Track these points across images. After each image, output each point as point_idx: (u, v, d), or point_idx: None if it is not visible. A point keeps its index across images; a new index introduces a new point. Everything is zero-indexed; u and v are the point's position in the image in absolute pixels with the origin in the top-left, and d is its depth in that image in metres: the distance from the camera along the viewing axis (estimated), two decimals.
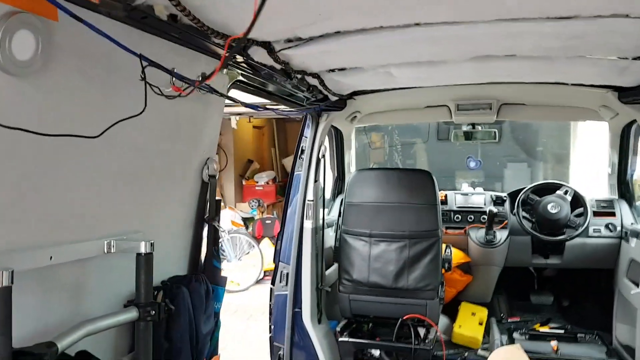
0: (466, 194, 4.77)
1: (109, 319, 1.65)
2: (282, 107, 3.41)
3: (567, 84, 3.19)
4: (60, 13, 1.34)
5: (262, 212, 10.84)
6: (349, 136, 4.59)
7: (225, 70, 2.34)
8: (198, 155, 2.21)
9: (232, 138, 10.86)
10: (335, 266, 4.05)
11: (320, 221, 3.81)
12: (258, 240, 9.66)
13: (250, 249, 9.11)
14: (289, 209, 3.78)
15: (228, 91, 2.32)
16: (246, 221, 10.27)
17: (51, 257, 1.48)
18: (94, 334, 1.61)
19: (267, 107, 3.24)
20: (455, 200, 4.72)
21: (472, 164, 6.84)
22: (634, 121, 3.72)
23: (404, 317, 3.70)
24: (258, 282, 8.82)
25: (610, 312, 4.12)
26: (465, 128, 4.56)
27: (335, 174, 4.74)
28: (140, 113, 1.56)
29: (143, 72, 1.56)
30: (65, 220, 1.56)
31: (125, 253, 1.75)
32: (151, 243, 1.74)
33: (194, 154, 2.20)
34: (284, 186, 11.02)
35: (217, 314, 2.38)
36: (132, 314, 1.71)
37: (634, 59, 2.45)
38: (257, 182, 11.42)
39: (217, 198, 2.36)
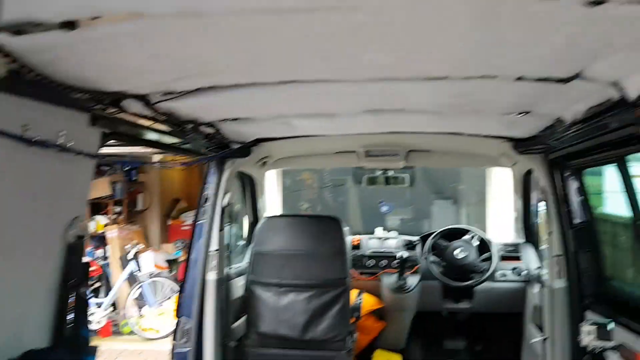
0: (380, 238, 4.75)
1: None
2: (180, 158, 3.29)
3: (464, 134, 3.26)
4: None
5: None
6: (261, 181, 4.50)
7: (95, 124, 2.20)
8: (62, 214, 2.05)
9: (157, 176, 10.55)
10: (241, 319, 3.89)
11: (225, 272, 3.66)
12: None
13: (173, 293, 8.75)
14: (190, 260, 3.61)
15: (101, 145, 2.18)
16: (171, 263, 9.91)
17: None
18: None
19: (161, 161, 3.10)
20: (369, 245, 4.70)
21: (384, 209, 6.89)
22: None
23: None
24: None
25: (519, 356, 4.16)
26: (377, 173, 4.57)
27: (251, 220, 4.62)
28: None
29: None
30: None
31: None
32: None
33: (58, 213, 2.03)
34: None
35: None
36: None
37: (519, 114, 2.50)
38: (183, 221, 11.08)
39: (85, 260, 2.18)
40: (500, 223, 6.56)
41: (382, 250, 4.64)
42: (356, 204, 11.34)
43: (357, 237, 4.74)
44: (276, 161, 4.13)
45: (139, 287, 8.63)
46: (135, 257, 8.81)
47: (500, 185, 7.77)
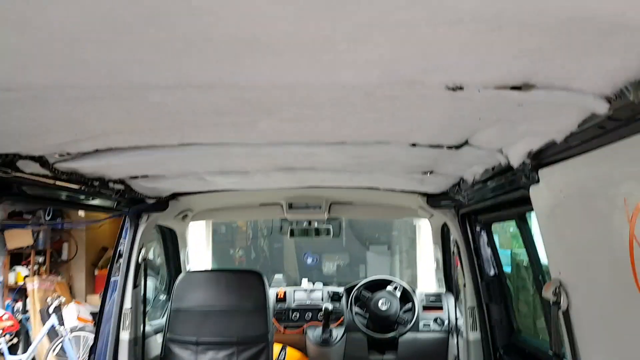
0: (306, 290, 4.72)
1: None
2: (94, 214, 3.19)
3: (379, 189, 3.33)
4: None
5: None
6: (183, 234, 4.40)
7: None
8: None
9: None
10: None
11: (141, 331, 3.52)
12: None
13: None
14: (103, 318, 3.46)
15: None
16: (95, 316, 9.45)
17: None
18: None
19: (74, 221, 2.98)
20: (294, 297, 4.65)
21: (309, 260, 6.89)
22: None
23: None
24: None
25: None
26: (303, 224, 4.58)
27: (173, 274, 4.49)
28: None
29: None
30: None
31: None
32: None
33: None
34: None
35: None
36: None
37: (423, 173, 2.59)
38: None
39: None
40: (429, 271, 6.67)
41: (307, 302, 4.60)
42: (292, 251, 11.29)
43: (282, 289, 4.69)
44: (198, 214, 4.07)
45: (60, 342, 8.16)
46: (57, 310, 8.36)
47: (427, 234, 7.97)
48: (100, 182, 2.59)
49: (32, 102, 1.36)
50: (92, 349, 3.46)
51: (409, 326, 4.21)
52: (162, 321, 3.98)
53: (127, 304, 3.41)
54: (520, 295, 4.21)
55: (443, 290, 4.57)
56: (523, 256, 4.48)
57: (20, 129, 1.70)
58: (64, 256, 9.76)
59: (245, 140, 1.94)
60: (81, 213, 9.24)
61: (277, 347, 4.08)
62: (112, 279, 3.49)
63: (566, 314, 1.76)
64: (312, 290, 4.72)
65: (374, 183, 3.23)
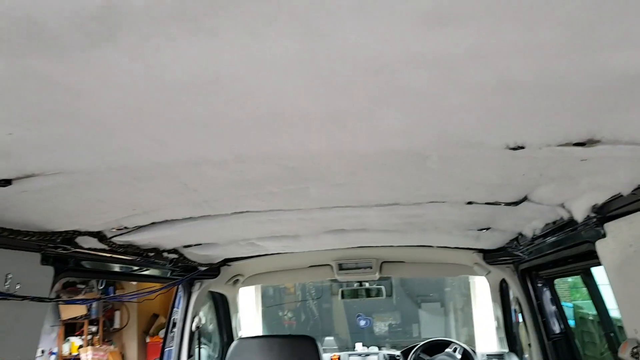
0: (360, 355, 4.58)
1: None
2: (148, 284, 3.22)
3: (432, 247, 3.25)
4: None
5: None
6: (234, 299, 4.38)
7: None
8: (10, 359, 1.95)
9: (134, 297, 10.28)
10: None
11: None
12: None
13: None
14: None
15: (55, 283, 2.13)
16: None
17: None
18: None
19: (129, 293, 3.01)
20: None
21: (362, 323, 6.72)
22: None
23: None
24: None
25: None
26: (354, 285, 4.50)
27: (225, 340, 4.44)
28: None
29: None
30: None
31: None
32: None
33: (6, 358, 1.94)
34: None
35: None
36: None
37: (479, 230, 2.52)
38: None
39: None
40: (487, 329, 6.40)
41: None
42: (341, 312, 11.07)
43: (337, 354, 4.56)
44: (248, 278, 4.07)
45: None
46: None
47: (483, 291, 7.69)
48: (155, 253, 2.62)
49: (86, 183, 1.41)
50: None
51: None
52: None
53: None
54: (588, 350, 3.97)
55: (505, 349, 4.35)
56: (587, 308, 4.26)
57: (78, 208, 1.75)
58: (116, 324, 9.86)
59: (296, 206, 1.94)
60: (133, 282, 9.39)
61: None
62: (167, 349, 3.47)
63: None
64: (367, 355, 4.58)
65: (426, 241, 3.16)
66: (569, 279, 4.23)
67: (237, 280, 3.97)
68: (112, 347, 9.43)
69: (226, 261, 3.48)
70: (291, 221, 2.23)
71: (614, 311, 2.40)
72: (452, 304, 10.71)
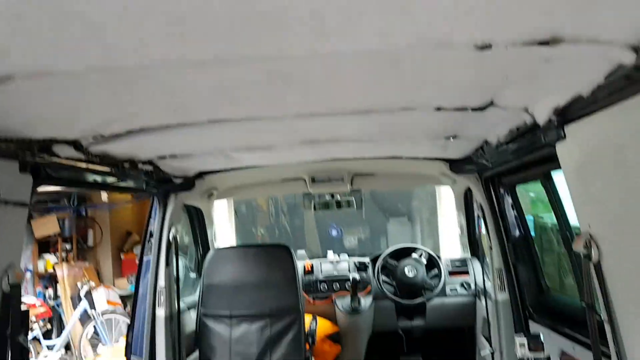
0: (332, 262, 4.79)
1: None
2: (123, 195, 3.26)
3: (402, 158, 3.35)
4: None
5: None
6: (209, 213, 4.48)
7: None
8: None
9: (107, 210, 10.33)
10: (196, 353, 3.84)
11: (176, 307, 3.62)
12: None
13: None
14: (138, 297, 3.56)
15: (33, 192, 2.16)
16: (125, 299, 9.67)
17: None
18: None
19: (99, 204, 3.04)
20: (322, 269, 4.73)
21: (334, 233, 6.93)
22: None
23: None
24: None
25: None
26: (326, 198, 4.63)
27: (201, 252, 4.58)
28: None
29: None
30: None
31: None
32: None
33: None
34: None
35: None
36: None
37: (447, 138, 2.61)
38: (137, 254, 10.85)
39: (23, 309, 2.14)
40: (452, 238, 6.71)
41: (334, 273, 4.68)
42: (313, 227, 11.40)
43: (309, 261, 4.76)
44: (222, 192, 4.15)
45: (93, 326, 8.39)
46: (87, 294, 8.58)
47: (448, 201, 7.98)
48: (130, 164, 2.65)
49: (66, 87, 1.41)
50: (130, 327, 3.56)
51: (436, 291, 4.27)
52: (194, 298, 4.09)
53: (161, 282, 3.50)
54: (546, 256, 4.24)
55: (468, 255, 4.61)
56: (546, 219, 4.51)
57: (56, 114, 1.76)
58: (90, 242, 9.96)
59: (273, 114, 1.98)
60: (104, 197, 9.42)
61: (307, 318, 4.16)
62: (145, 258, 3.58)
63: (597, 265, 1.79)
64: (337, 262, 4.80)
65: (397, 152, 3.26)
66: (532, 194, 4.44)
67: (212, 193, 4.04)
68: (87, 264, 9.58)
69: (201, 174, 3.53)
70: (267, 131, 2.27)
71: (572, 218, 2.58)
72: (418, 216, 11.10)
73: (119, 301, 9.35)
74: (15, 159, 1.98)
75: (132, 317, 3.57)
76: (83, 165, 2.35)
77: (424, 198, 10.77)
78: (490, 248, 3.38)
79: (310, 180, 4.00)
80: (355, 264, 4.69)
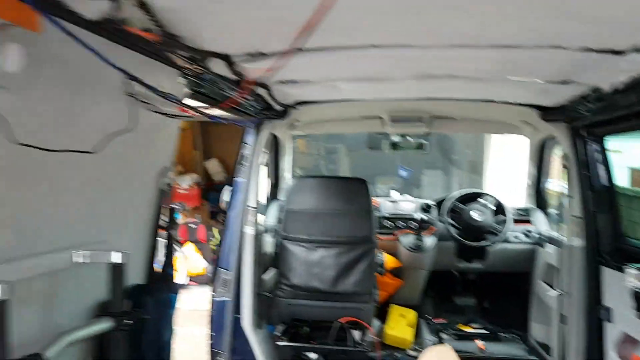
0: (395, 201, 4.98)
1: (86, 329, 1.64)
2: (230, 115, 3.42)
3: (495, 101, 3.45)
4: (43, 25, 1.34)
5: (186, 216, 10.62)
6: (287, 143, 4.67)
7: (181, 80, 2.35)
8: (155, 164, 2.21)
9: None
10: (270, 272, 4.10)
11: (261, 227, 3.86)
12: (181, 244, 9.45)
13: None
14: (230, 214, 3.79)
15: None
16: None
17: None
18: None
19: (222, 117, 3.21)
20: (386, 206, 4.92)
21: (403, 173, 7.04)
22: (550, 137, 4.06)
23: (341, 321, 3.83)
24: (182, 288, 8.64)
25: (526, 312, 4.46)
26: (396, 139, 4.75)
27: (272, 181, 4.79)
28: (131, 130, 1.56)
29: (128, 87, 1.57)
30: (37, 231, 1.54)
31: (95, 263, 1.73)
32: (126, 254, 1.74)
33: (151, 163, 2.20)
34: (207, 189, 10.81)
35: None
36: (107, 324, 1.70)
37: (554, 82, 2.70)
38: (179, 185, 11.15)
39: (173, 206, 2.36)
40: (499, 188, 6.83)
41: (399, 212, 4.87)
42: (347, 172, 11.61)
43: (375, 199, 4.94)
44: (304, 124, 4.29)
45: None
46: None
47: (501, 153, 8.06)
48: (261, 86, 2.78)
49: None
50: (221, 242, 3.81)
51: (502, 236, 4.44)
52: (267, 221, 4.31)
53: (251, 202, 3.72)
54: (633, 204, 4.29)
55: (532, 205, 4.75)
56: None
57: (230, 25, 1.89)
58: None
59: (418, 42, 2.08)
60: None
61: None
62: (238, 180, 3.79)
63: None
64: (401, 202, 4.98)
65: (490, 95, 3.35)
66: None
67: (295, 125, 4.20)
68: None
69: (296, 104, 3.67)
70: (385, 59, 2.34)
71: None
72: (455, 169, 11.20)
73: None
74: (177, 69, 2.15)
75: (224, 233, 3.82)
76: (221, 84, 2.50)
77: (465, 153, 10.84)
78: (570, 197, 3.50)
79: (389, 119, 4.11)
80: (420, 204, 4.87)
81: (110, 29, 1.52)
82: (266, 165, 3.79)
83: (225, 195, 3.89)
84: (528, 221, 4.62)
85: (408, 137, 4.70)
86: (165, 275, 2.36)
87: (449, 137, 10.35)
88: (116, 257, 1.73)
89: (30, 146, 1.30)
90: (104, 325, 1.70)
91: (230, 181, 3.87)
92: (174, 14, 1.65)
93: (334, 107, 3.79)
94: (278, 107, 3.53)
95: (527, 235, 4.55)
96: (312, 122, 4.32)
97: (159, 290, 2.18)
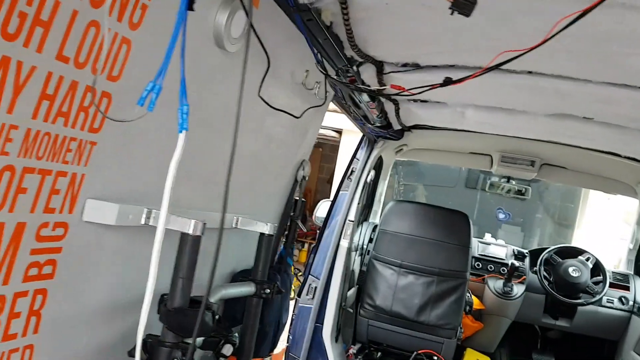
0: (488, 244, 4.88)
1: (234, 288, 1.72)
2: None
3: (619, 156, 3.35)
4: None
5: None
6: (389, 167, 4.70)
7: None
8: (297, 156, 2.31)
9: None
10: (354, 289, 4.11)
11: (354, 243, 3.89)
12: None
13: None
14: (328, 225, 3.85)
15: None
16: None
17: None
18: None
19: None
20: (478, 247, 4.83)
21: (502, 216, 6.90)
22: None
23: (419, 352, 3.77)
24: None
25: None
26: (501, 181, 4.69)
27: (364, 201, 4.81)
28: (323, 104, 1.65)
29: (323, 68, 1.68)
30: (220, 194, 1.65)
31: (241, 231, 1.82)
32: (274, 226, 1.83)
33: (294, 155, 2.29)
34: None
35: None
36: (250, 288, 1.78)
37: None
38: None
39: (302, 199, 2.45)
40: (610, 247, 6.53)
41: (489, 255, 4.77)
42: (473, 204, 11.36)
43: None
44: (410, 150, 4.31)
45: None
46: None
47: (599, 212, 7.73)
48: (384, 99, 2.85)
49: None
50: (315, 250, 3.86)
51: (597, 297, 4.25)
52: (355, 240, 4.31)
53: (351, 216, 3.76)
54: None
55: (631, 271, 4.53)
56: None
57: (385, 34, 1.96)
58: None
59: (549, 71, 2.05)
60: None
61: None
62: (341, 192, 3.84)
63: None
64: (493, 245, 4.87)
65: (618, 148, 3.24)
66: None
67: (402, 149, 4.23)
68: None
69: (413, 127, 3.71)
70: (549, 91, 2.31)
71: None
72: (536, 225, 10.78)
73: None
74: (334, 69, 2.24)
75: (318, 241, 3.87)
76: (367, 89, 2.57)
77: (553, 212, 10.43)
78: None
79: (499, 158, 4.06)
80: (513, 251, 4.75)
81: (308, 16, 1.63)
82: (368, 182, 3.82)
83: (320, 211, 3.96)
84: (625, 287, 4.40)
85: (511, 180, 4.64)
86: (284, 263, 2.43)
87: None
88: (266, 228, 1.82)
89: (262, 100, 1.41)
90: (248, 289, 1.78)
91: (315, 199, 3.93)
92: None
93: (447, 136, 3.80)
94: (397, 127, 3.58)
95: (622, 302, 4.33)
96: (420, 148, 4.34)
97: (286, 273, 2.26)
